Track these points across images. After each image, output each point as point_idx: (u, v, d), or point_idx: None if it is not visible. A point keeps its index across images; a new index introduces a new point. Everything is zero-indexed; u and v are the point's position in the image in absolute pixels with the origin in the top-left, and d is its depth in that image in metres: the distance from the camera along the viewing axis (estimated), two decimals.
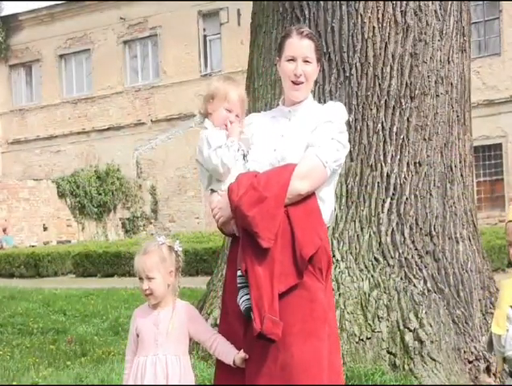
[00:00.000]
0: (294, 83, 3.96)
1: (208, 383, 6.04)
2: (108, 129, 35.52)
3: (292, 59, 3.96)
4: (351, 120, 6.85)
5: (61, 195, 32.07)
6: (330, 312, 3.88)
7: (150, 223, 34.23)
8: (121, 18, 35.00)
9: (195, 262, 19.50)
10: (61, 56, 37.41)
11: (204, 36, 33.75)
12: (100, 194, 32.96)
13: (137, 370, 3.93)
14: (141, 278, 3.95)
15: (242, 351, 3.73)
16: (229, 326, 3.88)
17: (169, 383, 3.85)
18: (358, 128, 6.87)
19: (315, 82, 6.89)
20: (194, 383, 3.97)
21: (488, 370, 6.46)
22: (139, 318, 4.02)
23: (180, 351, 3.93)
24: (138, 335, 3.99)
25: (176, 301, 4.00)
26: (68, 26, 36.54)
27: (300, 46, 3.95)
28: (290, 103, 4.06)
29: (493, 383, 6.29)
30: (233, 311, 3.83)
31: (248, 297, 3.65)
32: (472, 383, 6.33)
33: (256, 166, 3.85)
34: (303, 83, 3.96)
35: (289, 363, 3.65)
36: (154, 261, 3.93)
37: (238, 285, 3.72)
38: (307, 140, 3.84)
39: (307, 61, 3.96)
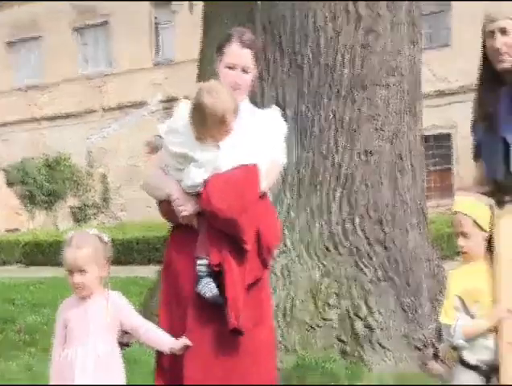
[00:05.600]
0: (232, 88, 3.99)
1: None
2: (59, 117, 35.16)
3: (232, 67, 3.99)
4: (303, 109, 6.88)
5: (10, 184, 31.70)
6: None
7: (102, 212, 33.99)
8: (71, 5, 34.65)
9: (146, 251, 19.42)
10: (10, 44, 36.93)
11: (156, 24, 33.54)
12: (50, 182, 32.63)
13: (65, 361, 3.81)
14: (71, 271, 3.81)
15: (184, 337, 3.72)
16: (172, 315, 3.87)
17: (99, 374, 3.75)
18: (310, 117, 6.90)
19: (268, 72, 6.94)
20: (123, 371, 3.88)
21: (436, 356, 6.56)
22: (68, 309, 3.89)
23: (111, 341, 3.85)
24: (66, 327, 3.86)
25: (108, 292, 3.89)
26: (17, 13, 36.06)
27: (240, 55, 3.99)
28: None
29: (442, 370, 6.39)
30: (182, 298, 3.82)
31: (213, 284, 3.69)
32: (420, 370, 6.43)
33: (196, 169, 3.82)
34: (239, 89, 4.00)
35: (239, 350, 3.72)
36: (89, 254, 3.78)
37: (200, 274, 3.73)
38: (247, 146, 3.85)
39: (246, 70, 4.00)
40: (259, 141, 3.87)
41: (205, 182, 3.69)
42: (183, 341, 3.70)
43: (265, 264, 3.87)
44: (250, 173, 3.75)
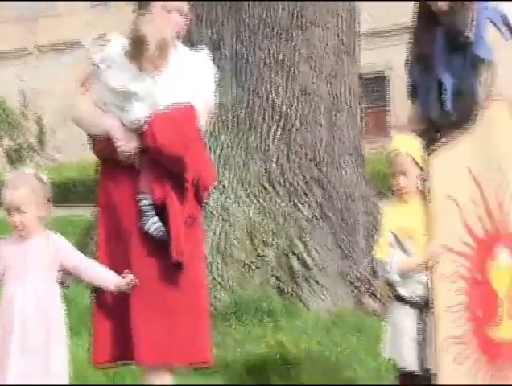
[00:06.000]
0: None
1: None
2: None
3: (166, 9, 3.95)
4: (241, 49, 6.88)
5: None
6: None
7: (38, 154, 33.52)
8: None
9: (83, 192, 19.29)
10: None
11: None
12: None
13: (6, 299, 3.78)
14: (9, 211, 3.73)
15: (130, 275, 3.73)
16: (112, 252, 3.86)
17: (39, 313, 3.73)
18: (249, 58, 6.89)
19: (205, 12, 6.90)
20: (63, 312, 3.86)
21: (371, 293, 6.70)
22: (6, 246, 3.81)
23: (51, 281, 3.83)
24: (4, 265, 3.82)
25: (49, 233, 3.87)
26: None
27: None
28: None
29: (376, 306, 6.53)
30: (122, 234, 3.82)
31: (159, 223, 3.72)
32: (356, 307, 6.56)
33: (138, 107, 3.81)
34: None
35: (180, 283, 3.77)
36: (26, 194, 3.71)
37: (144, 209, 3.74)
38: (182, 83, 3.85)
39: (181, 12, 3.96)
40: (193, 80, 3.87)
41: (148, 120, 3.69)
42: (130, 277, 3.71)
43: (201, 203, 3.92)
44: (189, 112, 3.76)
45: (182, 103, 3.74)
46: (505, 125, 3.55)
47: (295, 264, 6.55)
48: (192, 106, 3.77)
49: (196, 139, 3.81)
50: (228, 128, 6.89)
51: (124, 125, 3.77)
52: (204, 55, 4.06)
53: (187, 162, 3.71)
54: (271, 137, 6.88)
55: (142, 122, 3.70)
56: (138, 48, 3.70)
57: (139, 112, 3.71)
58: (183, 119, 3.74)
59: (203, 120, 3.89)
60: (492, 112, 3.55)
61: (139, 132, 3.73)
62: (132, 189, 3.79)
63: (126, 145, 3.77)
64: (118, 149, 3.76)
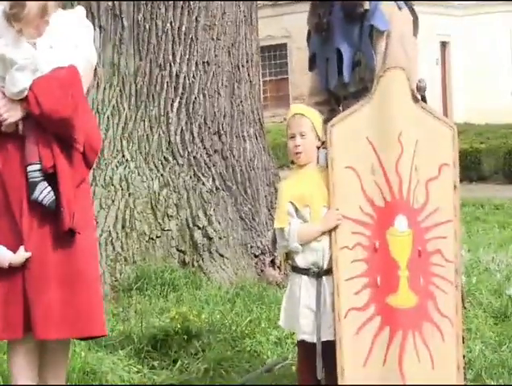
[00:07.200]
0: None
1: None
2: None
3: None
4: (140, 19, 6.81)
5: None
6: None
7: None
8: None
9: None
10: None
11: None
12: None
13: None
14: None
15: (23, 249, 3.64)
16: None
17: None
18: (147, 27, 6.84)
19: None
20: None
21: (273, 263, 6.76)
22: None
23: None
24: None
25: None
26: None
27: None
28: None
29: (278, 276, 6.60)
30: (10, 208, 3.71)
31: (49, 188, 3.62)
32: (258, 277, 6.62)
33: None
34: None
35: (74, 251, 3.71)
36: None
37: (34, 180, 3.65)
38: (63, 46, 3.76)
39: None
40: (73, 41, 3.78)
41: (30, 86, 3.59)
42: (24, 254, 3.62)
43: (89, 166, 3.86)
44: (72, 73, 3.68)
45: (63, 65, 3.66)
46: (400, 92, 3.57)
47: (198, 236, 6.56)
48: (74, 66, 3.68)
49: (81, 100, 3.72)
50: (129, 99, 6.84)
51: (4, 95, 3.66)
52: (80, 14, 3.95)
53: (75, 123, 3.63)
54: (172, 108, 6.86)
55: (26, 92, 3.61)
56: (18, 12, 3.58)
57: (23, 81, 3.60)
58: (66, 80, 3.64)
59: (86, 79, 3.81)
60: (388, 80, 3.56)
61: (21, 98, 3.64)
62: (19, 158, 3.66)
63: (11, 115, 3.66)
64: (3, 122, 3.66)
